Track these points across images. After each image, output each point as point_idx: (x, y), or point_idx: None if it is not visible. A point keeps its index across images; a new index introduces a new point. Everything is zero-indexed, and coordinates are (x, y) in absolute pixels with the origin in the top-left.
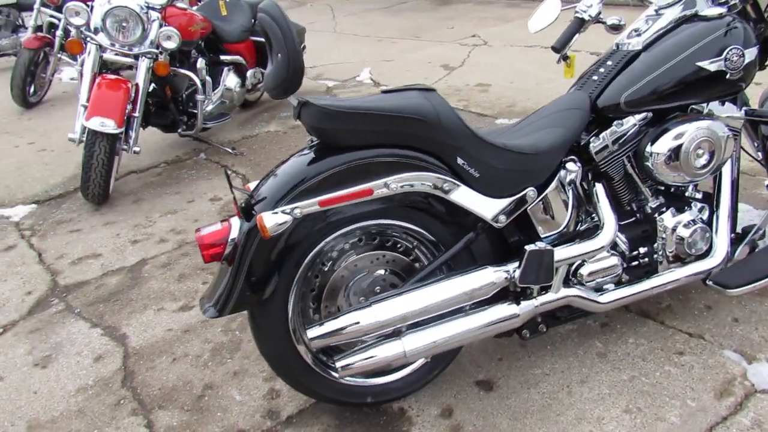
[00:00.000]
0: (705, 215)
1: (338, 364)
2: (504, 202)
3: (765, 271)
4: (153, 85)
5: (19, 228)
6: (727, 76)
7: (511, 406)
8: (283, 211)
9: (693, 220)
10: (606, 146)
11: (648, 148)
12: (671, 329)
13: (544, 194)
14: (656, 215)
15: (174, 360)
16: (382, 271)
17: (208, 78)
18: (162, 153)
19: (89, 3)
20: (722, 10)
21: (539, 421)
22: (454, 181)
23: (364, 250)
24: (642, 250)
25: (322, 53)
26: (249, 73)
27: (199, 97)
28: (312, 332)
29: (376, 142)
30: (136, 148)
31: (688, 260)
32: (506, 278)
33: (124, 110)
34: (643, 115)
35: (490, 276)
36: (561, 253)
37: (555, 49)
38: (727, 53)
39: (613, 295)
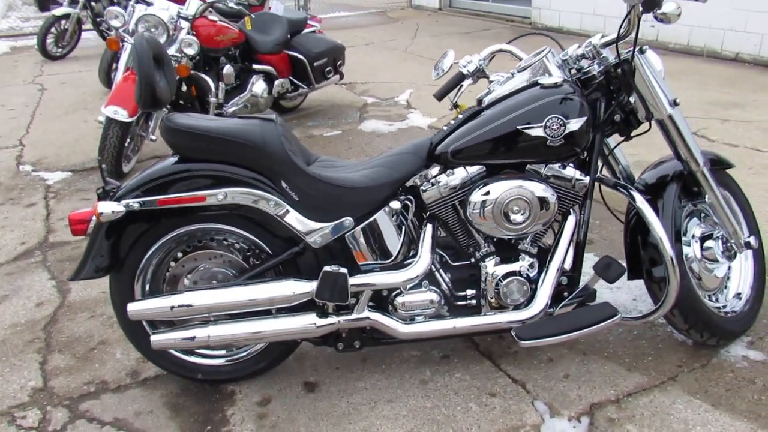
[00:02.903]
0: (534, 269)
1: (152, 337)
2: (320, 226)
3: (556, 330)
4: (184, 84)
5: (48, 190)
6: (548, 143)
7: (317, 408)
8: (125, 204)
9: (514, 272)
10: (434, 191)
11: (469, 198)
12: (501, 372)
13: (361, 225)
14: (482, 262)
15: (92, 317)
16: (219, 268)
17: (222, 84)
18: None
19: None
20: (559, 80)
21: (331, 426)
22: (278, 200)
23: (206, 248)
24: (469, 292)
25: (380, 71)
26: (276, 82)
27: (212, 99)
28: (131, 306)
29: (218, 158)
30: (153, 137)
31: (508, 309)
32: (306, 292)
33: None
34: (477, 167)
35: (289, 287)
36: (359, 279)
37: (436, 97)
38: (547, 121)
39: (416, 327)
